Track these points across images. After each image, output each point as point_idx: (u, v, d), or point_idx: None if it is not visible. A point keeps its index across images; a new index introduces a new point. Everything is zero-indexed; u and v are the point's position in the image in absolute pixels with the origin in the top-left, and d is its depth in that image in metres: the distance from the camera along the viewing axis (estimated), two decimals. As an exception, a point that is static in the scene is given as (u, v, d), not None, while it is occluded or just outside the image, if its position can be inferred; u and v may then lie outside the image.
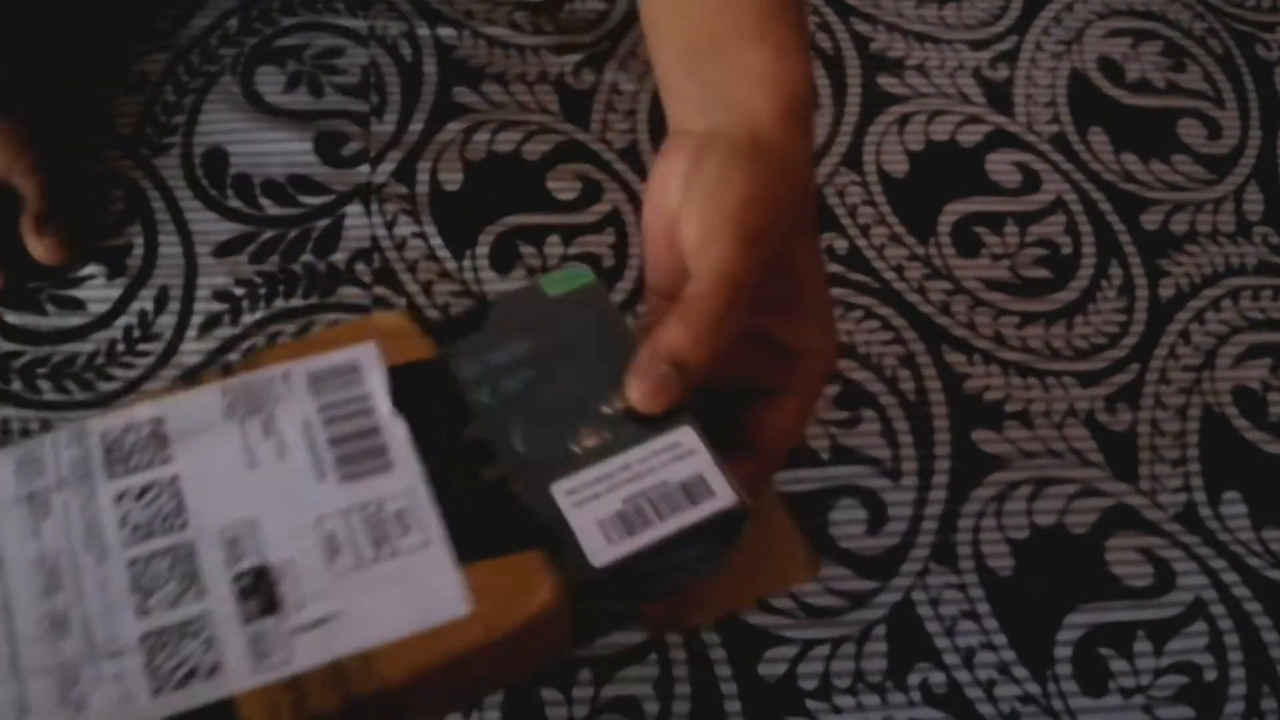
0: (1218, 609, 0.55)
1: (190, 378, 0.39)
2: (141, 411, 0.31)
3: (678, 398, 0.34)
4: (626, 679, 0.52)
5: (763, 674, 0.53)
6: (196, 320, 0.58)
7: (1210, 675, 0.54)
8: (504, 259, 0.61)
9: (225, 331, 0.58)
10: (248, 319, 0.58)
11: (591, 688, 0.52)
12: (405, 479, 0.31)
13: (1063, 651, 0.54)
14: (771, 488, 0.40)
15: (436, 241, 0.61)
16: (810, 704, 0.52)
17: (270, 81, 0.66)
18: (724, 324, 0.35)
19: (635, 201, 0.63)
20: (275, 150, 0.63)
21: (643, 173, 0.64)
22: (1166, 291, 0.64)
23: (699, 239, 0.36)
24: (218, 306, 0.59)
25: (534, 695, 0.51)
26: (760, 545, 0.38)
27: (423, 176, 0.63)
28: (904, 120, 0.68)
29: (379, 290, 0.60)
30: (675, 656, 0.53)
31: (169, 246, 0.60)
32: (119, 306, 0.58)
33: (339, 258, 0.61)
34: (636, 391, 0.34)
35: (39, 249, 0.58)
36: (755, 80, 0.39)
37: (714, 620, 0.52)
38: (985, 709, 0.53)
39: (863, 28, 0.71)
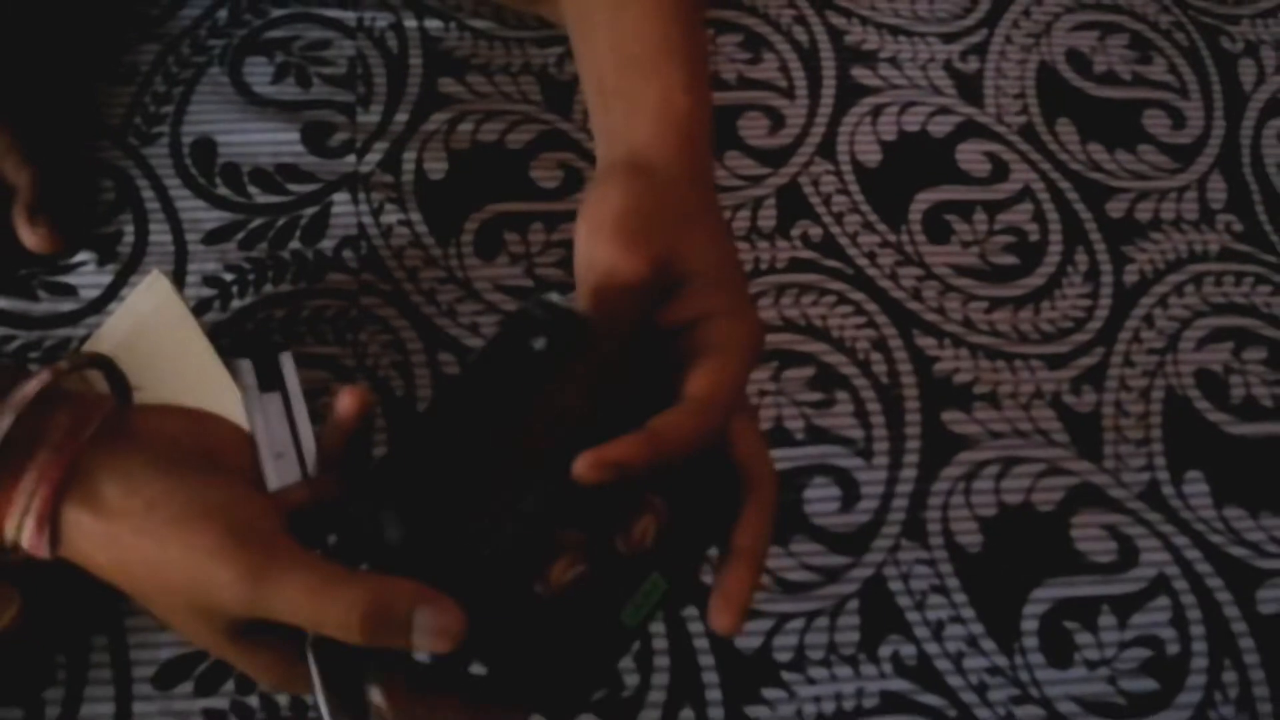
0: (1180, 584, 0.57)
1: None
2: None
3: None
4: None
5: (739, 646, 0.54)
6: (188, 305, 0.59)
7: (1173, 648, 0.56)
8: (488, 246, 0.63)
9: (215, 316, 0.59)
10: (237, 304, 0.60)
11: (573, 660, 0.53)
12: None
13: (1029, 625, 0.56)
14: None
15: (422, 229, 0.63)
16: (785, 675, 0.54)
17: (258, 72, 0.67)
18: (622, 318, 0.39)
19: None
20: (263, 140, 0.64)
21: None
22: (1131, 277, 0.65)
23: (582, 254, 0.40)
24: (207, 292, 0.60)
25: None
26: None
27: (408, 165, 0.65)
28: (877, 111, 0.69)
29: (366, 277, 0.61)
30: (654, 630, 0.54)
31: (159, 234, 0.62)
32: (110, 292, 0.60)
33: (326, 245, 0.62)
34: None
35: (31, 238, 0.59)
36: (644, 113, 0.44)
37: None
38: (954, 680, 0.54)
39: (838, 20, 0.72)
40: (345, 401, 0.38)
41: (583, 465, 0.35)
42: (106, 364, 0.38)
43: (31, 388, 0.35)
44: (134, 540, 0.35)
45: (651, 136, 0.43)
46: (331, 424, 0.39)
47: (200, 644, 0.38)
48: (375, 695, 0.36)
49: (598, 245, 0.40)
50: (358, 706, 0.36)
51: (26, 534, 0.35)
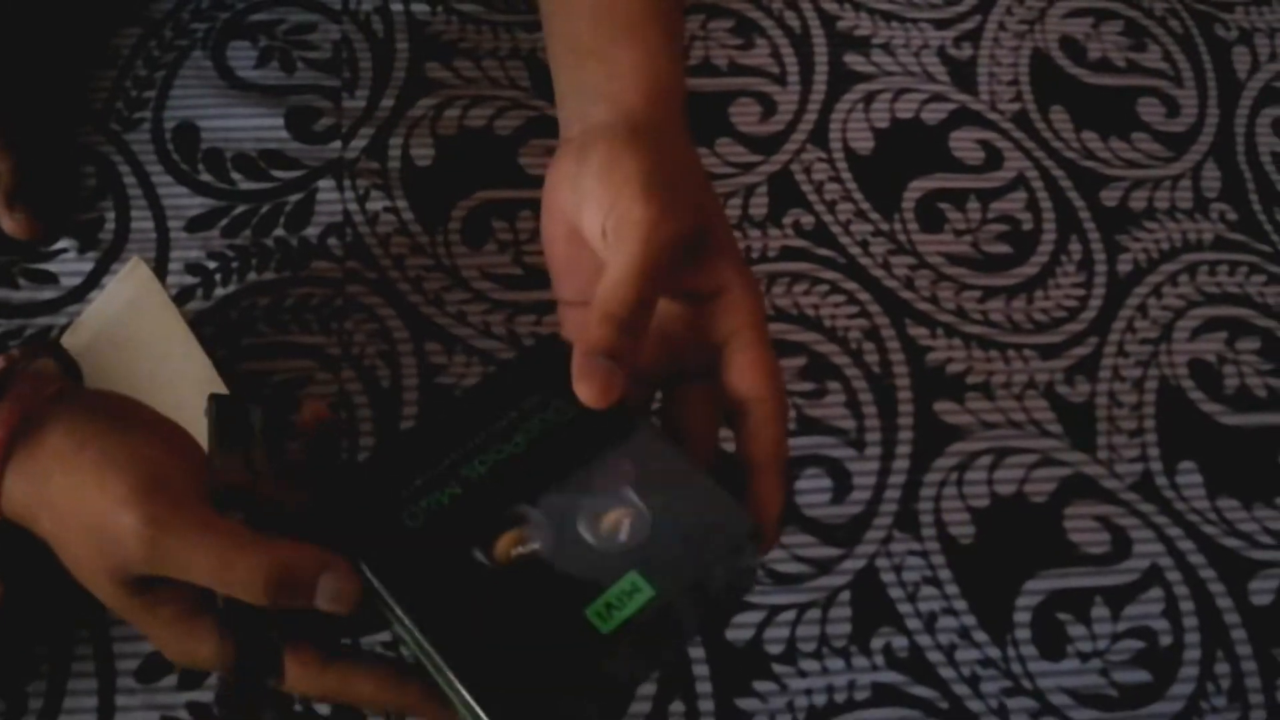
0: (1173, 575, 0.57)
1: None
2: None
3: (623, 386, 0.36)
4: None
5: (730, 639, 0.54)
6: (169, 293, 0.58)
7: (1165, 640, 0.56)
8: (476, 233, 0.62)
9: (198, 304, 0.59)
10: (220, 292, 0.59)
11: (562, 653, 0.53)
12: None
13: (1022, 616, 0.55)
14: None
15: (409, 216, 0.62)
16: (776, 668, 0.53)
17: (242, 57, 0.66)
18: (647, 291, 0.37)
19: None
20: (247, 125, 0.63)
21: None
22: (1125, 267, 0.65)
23: (603, 222, 0.38)
24: (190, 280, 0.59)
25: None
26: None
27: (394, 152, 0.64)
28: (870, 98, 0.69)
29: (351, 265, 0.60)
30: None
31: (141, 221, 0.61)
32: (91, 279, 0.59)
33: (311, 232, 0.61)
34: (587, 392, 0.36)
35: (10, 225, 0.59)
36: (626, 76, 0.42)
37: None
38: (946, 672, 0.54)
39: (829, 6, 0.72)
40: (306, 412, 0.40)
41: (577, 369, 0.36)
42: (57, 350, 0.40)
43: None
44: (61, 480, 0.36)
45: (643, 99, 0.41)
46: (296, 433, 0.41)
47: (103, 597, 0.38)
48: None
49: (632, 205, 0.38)
50: (263, 674, 0.37)
51: None
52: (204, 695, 0.51)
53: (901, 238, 0.64)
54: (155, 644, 0.39)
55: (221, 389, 0.51)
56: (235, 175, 0.62)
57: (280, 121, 0.64)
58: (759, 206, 0.64)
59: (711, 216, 0.40)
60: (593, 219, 0.39)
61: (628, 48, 0.43)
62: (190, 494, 0.36)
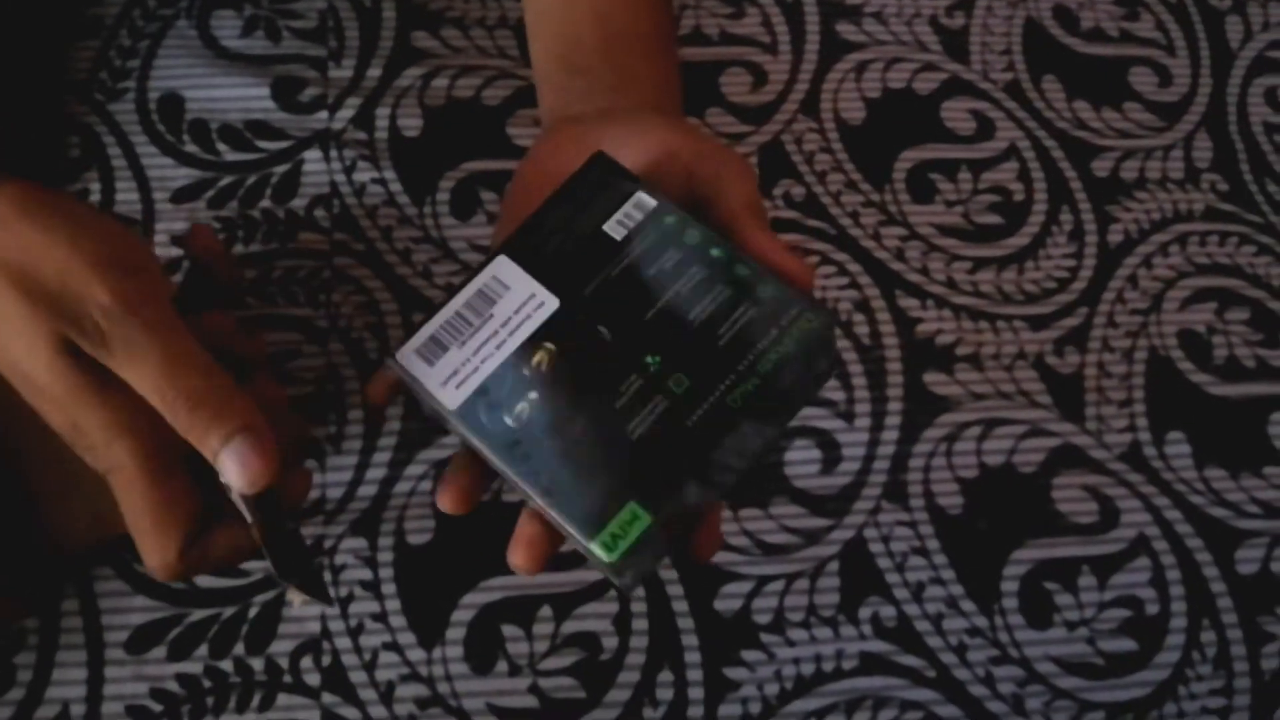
0: (1160, 545, 0.57)
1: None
2: None
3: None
4: (586, 615, 0.53)
5: (718, 609, 0.54)
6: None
7: (1152, 609, 0.56)
8: (464, 205, 0.61)
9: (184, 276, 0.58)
10: (207, 264, 0.59)
11: (552, 624, 0.53)
12: None
13: (1009, 586, 0.56)
14: None
15: (396, 187, 0.62)
16: (765, 637, 0.54)
17: (227, 26, 0.65)
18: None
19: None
20: (232, 95, 0.63)
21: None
22: (1115, 237, 0.65)
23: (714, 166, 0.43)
24: (176, 252, 0.59)
25: (495, 631, 0.52)
26: None
27: (382, 122, 0.63)
28: (861, 68, 0.68)
29: (339, 236, 0.60)
30: (633, 593, 0.54)
31: (126, 193, 0.60)
32: (76, 252, 0.58)
33: (298, 204, 0.60)
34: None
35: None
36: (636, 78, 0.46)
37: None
38: (934, 641, 0.54)
39: (822, -25, 0.71)
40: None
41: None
42: None
43: None
44: (20, 227, 0.34)
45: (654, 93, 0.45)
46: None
47: (33, 365, 0.35)
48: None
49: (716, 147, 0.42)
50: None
51: None
52: (194, 666, 0.51)
53: (892, 209, 0.64)
54: (79, 431, 0.36)
55: None
56: (221, 146, 0.62)
57: (266, 92, 0.63)
58: (749, 177, 0.64)
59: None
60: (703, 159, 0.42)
61: (629, 52, 0.46)
62: (161, 289, 0.35)
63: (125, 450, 0.36)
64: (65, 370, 0.35)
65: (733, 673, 0.53)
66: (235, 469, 0.35)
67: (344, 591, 0.53)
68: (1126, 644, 0.55)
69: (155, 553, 0.37)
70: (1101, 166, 0.67)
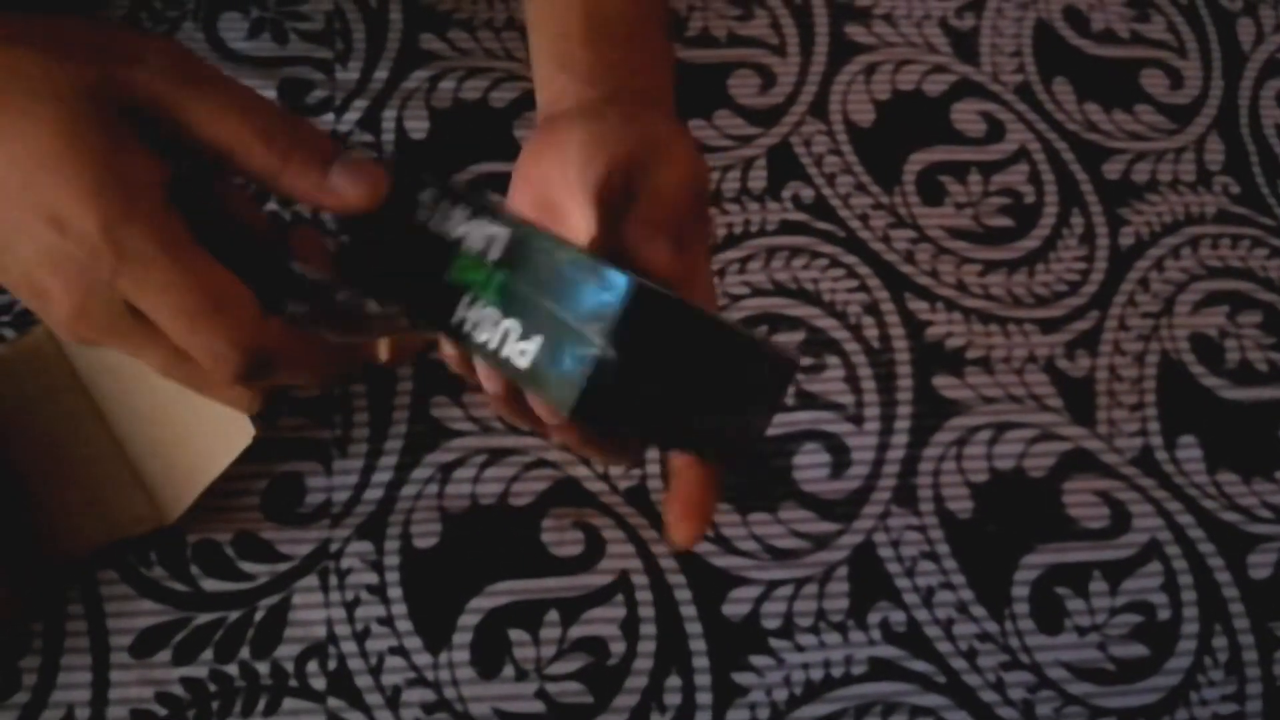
0: (1172, 550, 0.57)
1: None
2: None
3: None
4: (593, 620, 0.53)
5: (727, 614, 0.54)
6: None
7: (1164, 614, 0.56)
8: (471, 207, 0.61)
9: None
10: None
11: (559, 628, 0.53)
12: None
13: (1020, 591, 0.55)
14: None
15: (403, 189, 0.61)
16: (773, 643, 0.53)
17: (233, 28, 0.65)
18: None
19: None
20: (239, 97, 0.63)
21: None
22: (1127, 240, 0.64)
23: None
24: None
25: (501, 635, 0.52)
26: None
27: (388, 124, 0.63)
28: (871, 70, 0.68)
29: (344, 238, 0.60)
30: (642, 598, 0.53)
31: (133, 194, 0.60)
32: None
33: (301, 207, 0.60)
34: None
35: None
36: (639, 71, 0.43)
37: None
38: (944, 646, 0.54)
39: (830, -23, 0.71)
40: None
41: None
42: None
43: None
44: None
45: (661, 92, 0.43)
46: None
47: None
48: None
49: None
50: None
51: None
52: (199, 670, 0.51)
53: (902, 211, 0.64)
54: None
55: None
56: (228, 148, 0.62)
57: (273, 94, 0.63)
58: (758, 180, 0.64)
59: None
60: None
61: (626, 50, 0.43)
62: (150, 181, 0.32)
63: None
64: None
65: (741, 678, 0.52)
66: (352, 182, 0.33)
67: (350, 596, 0.52)
68: (1138, 649, 0.55)
69: (230, 329, 0.33)
70: (1113, 169, 0.66)
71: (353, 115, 0.63)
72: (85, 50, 0.32)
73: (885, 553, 0.55)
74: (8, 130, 0.31)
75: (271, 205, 0.60)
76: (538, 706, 0.51)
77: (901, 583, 0.55)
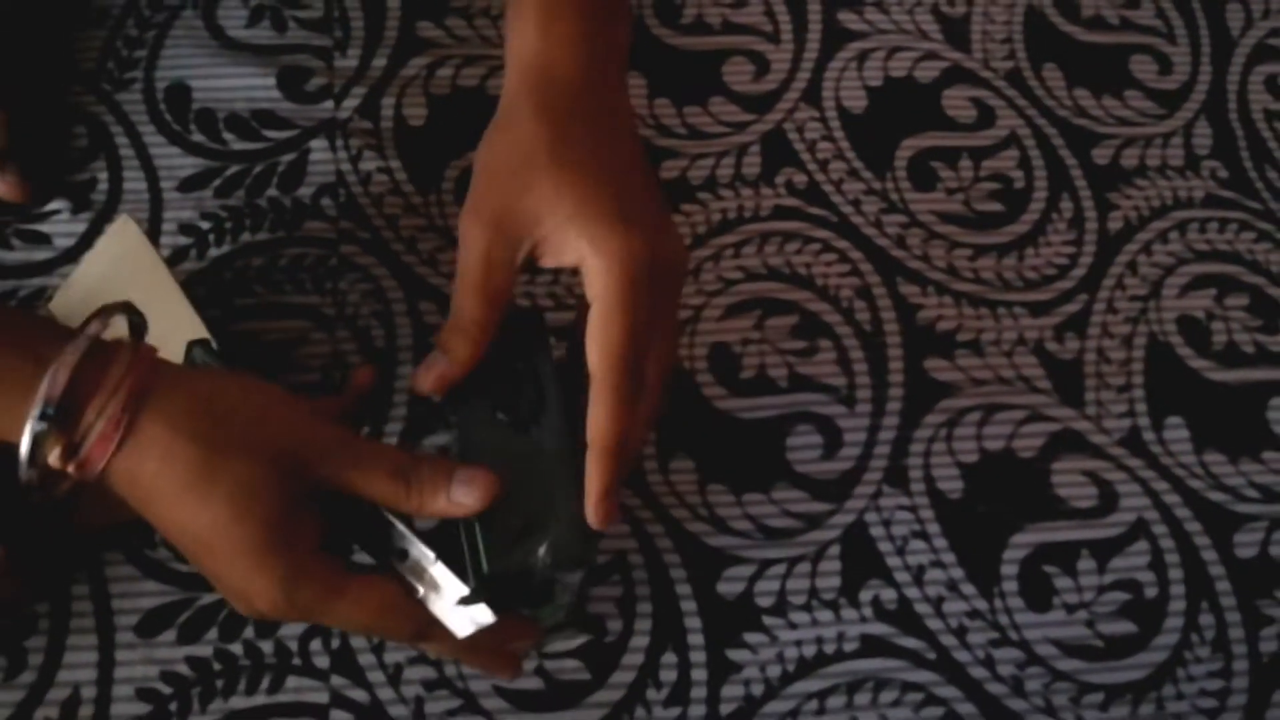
0: (1159, 529, 0.58)
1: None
2: None
3: None
4: (590, 598, 0.54)
5: (721, 592, 0.55)
6: (163, 254, 0.58)
7: (1151, 592, 0.56)
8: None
9: (192, 265, 0.59)
10: (214, 252, 0.59)
11: (556, 607, 0.53)
12: None
13: (1009, 569, 0.56)
14: None
15: (402, 176, 0.62)
16: (767, 620, 0.54)
17: (233, 16, 0.65)
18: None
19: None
20: (238, 85, 0.63)
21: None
22: (1115, 224, 0.65)
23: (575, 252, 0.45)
24: (184, 240, 0.59)
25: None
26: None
27: (387, 112, 0.64)
28: (863, 56, 0.69)
29: (345, 225, 0.60)
30: (638, 577, 0.54)
31: (133, 181, 0.61)
32: (84, 240, 0.59)
33: (304, 193, 0.61)
34: None
35: (1, 187, 0.58)
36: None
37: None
38: (934, 624, 0.55)
39: (823, -36, 0.71)
40: (361, 375, 0.52)
41: (595, 516, 0.42)
42: (130, 309, 0.42)
43: (83, 340, 0.38)
44: (165, 486, 0.39)
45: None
46: (349, 390, 0.52)
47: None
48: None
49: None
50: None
51: (96, 433, 0.38)
52: (203, 649, 0.51)
53: (894, 196, 0.64)
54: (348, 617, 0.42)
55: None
56: (227, 135, 0.62)
57: (272, 81, 0.64)
58: (751, 166, 0.65)
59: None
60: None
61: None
62: (310, 538, 0.41)
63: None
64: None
65: (735, 655, 0.53)
66: (469, 494, 0.42)
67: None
68: (1126, 627, 0.56)
69: (393, 629, 0.44)
70: (1102, 154, 0.67)
71: (352, 102, 0.63)
72: (289, 442, 0.41)
73: (877, 532, 0.56)
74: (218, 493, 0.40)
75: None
76: (536, 683, 0.52)
77: (893, 561, 0.56)
